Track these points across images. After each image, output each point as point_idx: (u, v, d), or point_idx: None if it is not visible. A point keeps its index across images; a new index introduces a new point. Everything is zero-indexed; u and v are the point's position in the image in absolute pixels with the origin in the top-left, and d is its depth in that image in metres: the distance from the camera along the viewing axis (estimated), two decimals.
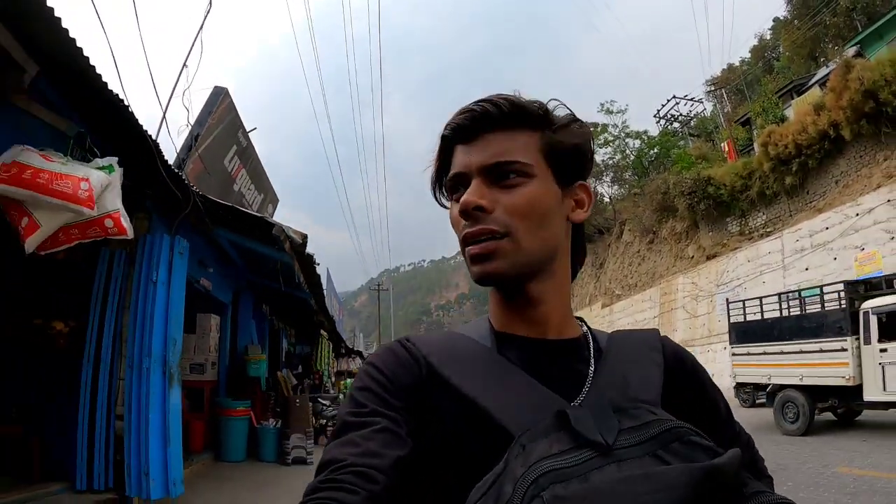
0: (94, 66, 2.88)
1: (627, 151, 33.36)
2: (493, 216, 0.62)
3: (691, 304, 19.43)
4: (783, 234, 16.38)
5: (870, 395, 7.52)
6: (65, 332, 4.06)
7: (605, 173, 35.55)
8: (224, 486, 5.60)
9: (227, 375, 7.25)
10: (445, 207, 0.72)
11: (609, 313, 26.19)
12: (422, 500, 0.59)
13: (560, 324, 0.67)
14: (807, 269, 15.08)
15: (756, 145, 19.00)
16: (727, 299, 11.67)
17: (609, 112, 33.54)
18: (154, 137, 3.75)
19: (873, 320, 7.58)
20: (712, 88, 37.23)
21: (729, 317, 10.48)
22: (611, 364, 0.65)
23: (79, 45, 2.81)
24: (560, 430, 0.49)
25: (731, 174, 19.22)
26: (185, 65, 5.01)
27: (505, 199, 0.63)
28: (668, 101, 36.12)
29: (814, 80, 20.69)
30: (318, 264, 5.31)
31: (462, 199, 0.63)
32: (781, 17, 31.03)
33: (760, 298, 10.13)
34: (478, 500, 0.46)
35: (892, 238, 13.08)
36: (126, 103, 3.06)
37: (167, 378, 3.89)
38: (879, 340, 7.46)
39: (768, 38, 33.58)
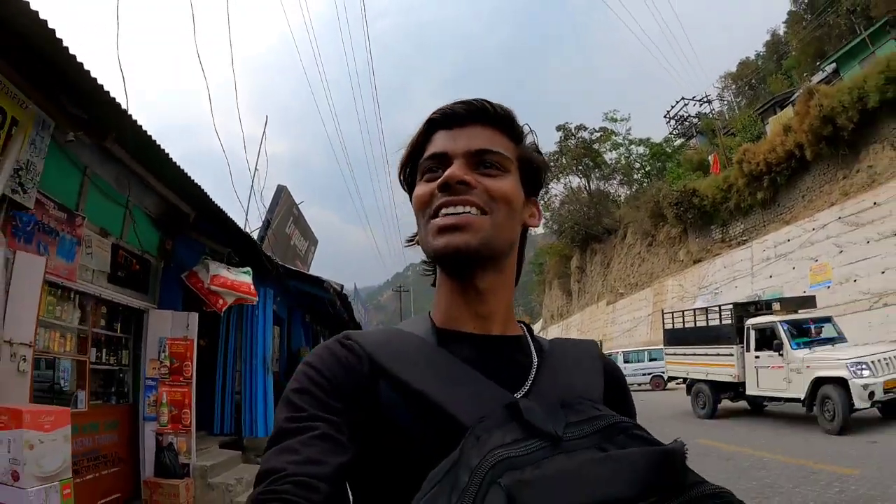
0: (225, 213, 5.52)
1: (632, 157, 35.27)
2: (476, 192, 0.65)
3: (678, 304, 21.51)
4: (753, 244, 18.46)
5: (750, 390, 9.98)
6: (202, 345, 6.78)
7: (613, 175, 37.52)
8: None
9: (286, 368, 10.02)
10: (407, 191, 0.74)
11: (612, 311, 28.41)
12: (375, 499, 0.59)
13: (505, 320, 0.69)
14: (771, 276, 17.16)
15: (734, 162, 20.98)
16: (662, 310, 14.31)
17: (613, 120, 35.49)
18: (247, 229, 6.47)
19: (752, 334, 9.96)
20: (721, 86, 38.36)
21: (663, 324, 13.03)
22: (554, 363, 0.67)
23: (214, 202, 5.44)
24: (511, 421, 0.50)
25: (714, 187, 21.29)
26: (255, 168, 7.75)
27: (488, 183, 0.66)
28: (678, 102, 37.79)
29: (795, 96, 22.44)
30: (347, 295, 8.04)
31: (447, 171, 0.65)
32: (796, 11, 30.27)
33: (683, 311, 12.92)
34: (432, 488, 0.46)
35: (841, 252, 15.03)
36: (247, 231, 5.77)
37: (265, 369, 6.60)
38: (756, 349, 9.83)
39: (781, 33, 33.67)
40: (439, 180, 0.65)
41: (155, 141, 4.12)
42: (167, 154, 4.31)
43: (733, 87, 38.00)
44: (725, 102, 37.59)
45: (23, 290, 3.34)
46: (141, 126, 3.93)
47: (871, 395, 7.59)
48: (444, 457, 0.49)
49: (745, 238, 19.77)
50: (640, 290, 26.08)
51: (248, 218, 8.35)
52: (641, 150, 34.85)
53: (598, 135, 35.90)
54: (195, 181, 4.74)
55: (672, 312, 13.11)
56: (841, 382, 7.87)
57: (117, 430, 4.84)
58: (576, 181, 37.32)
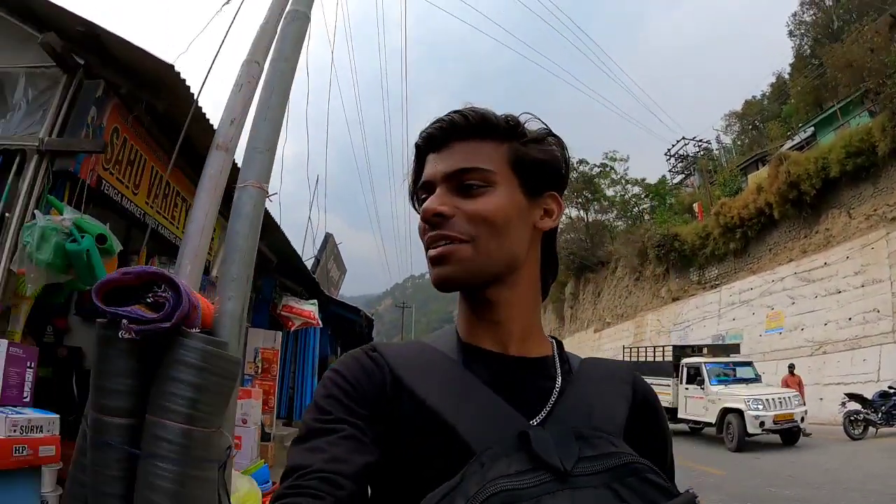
0: (304, 264, 7.73)
1: (628, 196, 37.62)
2: (453, 222, 0.63)
3: (655, 338, 23.70)
4: (722, 289, 20.65)
5: (680, 414, 12.56)
6: None
7: (610, 209, 39.77)
8: None
9: (319, 373, 12.31)
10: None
11: (598, 338, 30.52)
12: None
13: (523, 338, 0.66)
14: (734, 319, 19.33)
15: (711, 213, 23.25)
16: (623, 346, 17.08)
17: (612, 160, 37.95)
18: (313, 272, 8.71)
19: (685, 370, 12.59)
20: (725, 124, 39.71)
21: (623, 357, 15.65)
22: (578, 388, 0.64)
23: (300, 258, 7.66)
24: (520, 450, 0.49)
25: (694, 234, 23.59)
26: (308, 219, 10.00)
27: (466, 206, 0.63)
28: (678, 141, 39.92)
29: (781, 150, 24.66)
30: (373, 320, 10.33)
31: (423, 205, 0.65)
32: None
33: (638, 348, 15.68)
34: None
35: (794, 303, 17.22)
36: (314, 276, 8.02)
37: (313, 371, 8.82)
38: (686, 383, 12.43)
39: (787, 76, 33.42)
40: (421, 215, 0.65)
41: (273, 218, 6.33)
42: (277, 224, 6.52)
43: (738, 125, 38.93)
44: (722, 145, 38.79)
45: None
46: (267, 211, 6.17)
47: (762, 423, 10.04)
48: (448, 479, 0.49)
49: (717, 282, 21.97)
50: (625, 321, 28.21)
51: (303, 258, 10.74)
52: (637, 189, 37.09)
53: (598, 170, 38.29)
54: (289, 241, 6.97)
55: (631, 348, 15.92)
56: (740, 413, 10.35)
57: None
58: (574, 212, 39.70)
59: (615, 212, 39.17)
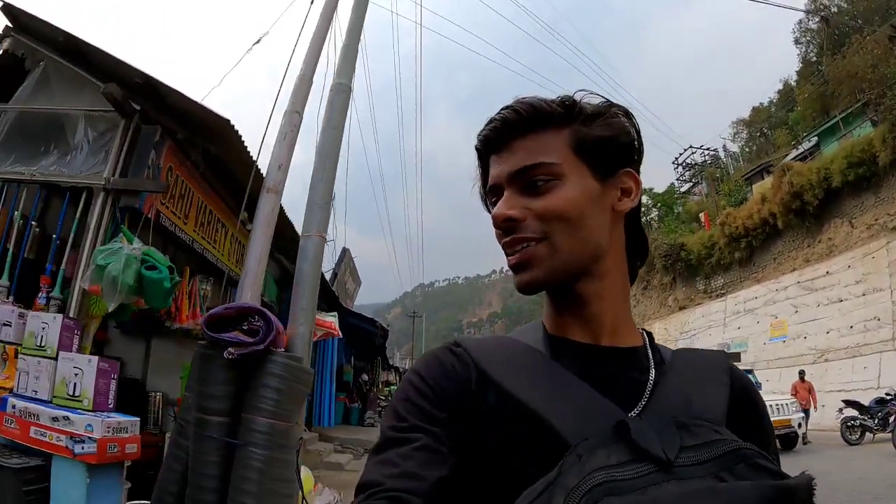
0: (326, 279, 8.32)
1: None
2: (525, 224, 0.62)
3: None
4: (727, 298, 20.99)
5: None
6: None
7: None
8: (342, 429, 11.17)
9: (336, 380, 12.92)
10: None
11: None
12: None
13: (614, 327, 0.64)
14: (739, 328, 19.65)
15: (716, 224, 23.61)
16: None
17: None
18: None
19: None
20: (733, 132, 39.64)
21: None
22: (673, 378, 0.62)
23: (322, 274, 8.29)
24: (619, 441, 0.48)
25: (700, 244, 23.93)
26: (333, 241, 10.65)
27: (535, 205, 0.62)
28: (686, 149, 39.98)
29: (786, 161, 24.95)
30: (388, 330, 10.91)
31: (493, 212, 0.63)
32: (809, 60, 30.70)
33: None
34: None
35: (797, 311, 17.57)
36: (335, 292, 8.62)
37: (331, 380, 9.37)
38: None
39: (793, 83, 33.62)
40: (492, 221, 0.64)
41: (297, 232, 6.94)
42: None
43: (745, 133, 39.21)
44: (729, 153, 38.86)
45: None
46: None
47: None
48: (543, 474, 0.47)
49: (723, 291, 22.30)
50: None
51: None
52: (644, 199, 37.27)
53: None
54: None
55: None
56: None
57: None
58: None
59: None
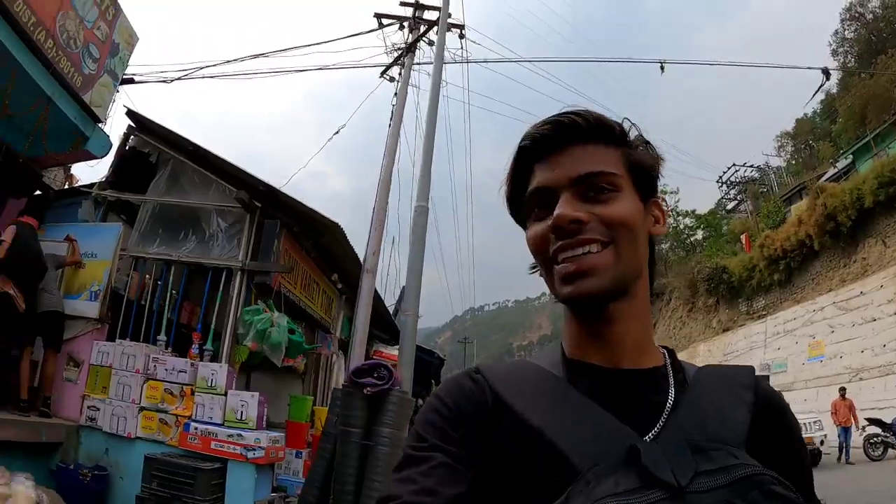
0: (394, 322, 10.24)
1: (681, 227, 38.44)
2: (591, 227, 0.61)
3: None
4: (768, 319, 21.53)
5: None
6: None
7: (664, 240, 40.38)
8: None
9: None
10: (520, 224, 0.70)
11: None
12: None
13: (636, 350, 0.64)
14: (779, 348, 20.17)
15: (756, 246, 24.21)
16: None
17: (663, 192, 38.73)
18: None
19: None
20: (777, 146, 38.74)
21: None
22: (693, 398, 0.61)
23: (384, 304, 10.17)
24: (629, 466, 0.48)
25: (741, 266, 24.50)
26: (388, 274, 12.60)
27: (601, 211, 0.61)
28: (729, 167, 39.65)
29: (823, 180, 25.07)
30: (444, 359, 12.80)
31: (557, 212, 0.61)
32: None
33: None
34: None
35: (833, 331, 18.02)
36: (394, 317, 10.55)
37: None
38: None
39: (835, 91, 31.88)
40: (550, 223, 0.62)
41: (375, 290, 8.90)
42: (378, 294, 9.04)
43: (791, 145, 38.71)
44: (772, 169, 38.10)
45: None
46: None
47: None
48: (552, 499, 0.47)
49: (764, 312, 22.77)
50: (679, 351, 28.15)
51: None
52: (688, 221, 37.83)
53: None
54: (382, 301, 9.52)
55: None
56: None
57: None
58: None
59: (669, 242, 39.99)
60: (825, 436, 11.94)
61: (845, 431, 12.03)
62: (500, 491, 0.57)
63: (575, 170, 0.63)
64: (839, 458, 11.90)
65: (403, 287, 14.77)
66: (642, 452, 0.48)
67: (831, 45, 32.36)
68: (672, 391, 0.62)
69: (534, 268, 0.70)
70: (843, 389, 13.14)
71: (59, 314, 5.14)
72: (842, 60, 31.92)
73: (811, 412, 12.90)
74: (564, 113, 0.65)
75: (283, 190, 6.19)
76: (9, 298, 4.64)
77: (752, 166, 39.05)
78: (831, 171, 24.48)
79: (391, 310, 12.70)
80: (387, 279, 16.46)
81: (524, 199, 0.68)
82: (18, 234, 4.88)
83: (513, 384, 0.62)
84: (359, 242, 6.54)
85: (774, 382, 17.47)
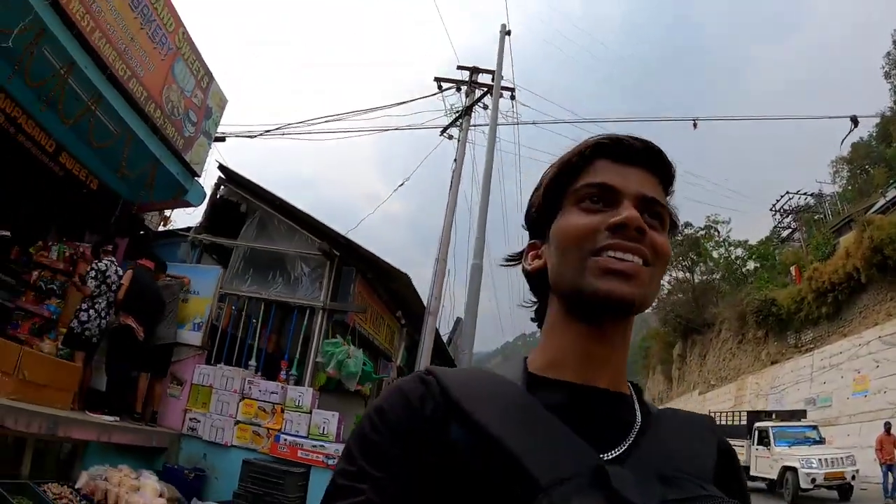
0: (449, 352, 11.95)
1: (732, 257, 38.11)
2: (645, 242, 0.62)
3: (754, 401, 24.48)
4: (814, 353, 21.55)
5: (752, 472, 14.22)
6: None
7: (716, 270, 40.08)
8: None
9: None
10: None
11: (703, 401, 31.06)
12: None
13: (616, 373, 0.65)
14: (824, 382, 20.17)
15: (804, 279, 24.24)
16: (709, 411, 18.57)
17: (715, 223, 38.81)
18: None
19: (756, 433, 14.50)
20: (833, 171, 38.03)
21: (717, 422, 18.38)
22: (660, 431, 0.62)
23: (441, 338, 11.87)
24: (594, 487, 0.47)
25: (789, 298, 24.48)
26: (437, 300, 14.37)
27: (654, 235, 0.63)
28: (783, 195, 38.69)
29: (872, 211, 24.87)
30: None
31: (630, 213, 0.61)
32: None
33: (720, 413, 17.45)
34: None
35: (878, 366, 18.05)
36: (448, 345, 12.16)
37: None
38: (757, 444, 14.35)
39: (888, 114, 31.36)
40: (616, 219, 0.61)
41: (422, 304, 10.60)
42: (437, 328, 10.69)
43: (846, 170, 37.86)
44: (826, 197, 36.59)
45: None
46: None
47: (814, 480, 11.88)
48: None
49: (811, 346, 22.71)
50: (728, 383, 28.79)
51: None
52: (740, 251, 37.51)
53: (703, 232, 39.12)
54: (440, 336, 11.16)
55: (716, 413, 17.82)
56: (795, 470, 12.29)
57: None
58: (680, 274, 40.41)
59: (720, 273, 39.51)
60: (857, 471, 12.33)
61: (889, 469, 11.99)
62: (453, 499, 0.54)
63: (647, 190, 0.65)
64: (886, 495, 11.92)
65: (458, 318, 16.29)
66: (610, 474, 0.49)
67: (884, 67, 32.04)
68: (638, 416, 0.63)
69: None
70: (888, 424, 12.94)
71: (169, 347, 6.07)
72: (895, 84, 31.53)
73: (848, 448, 13.37)
74: (647, 140, 0.68)
75: (353, 236, 7.84)
76: (130, 330, 5.46)
77: (806, 194, 38.31)
78: (881, 202, 24.25)
79: (445, 338, 14.31)
80: (442, 310, 17.96)
81: (569, 188, 0.67)
82: (136, 276, 5.60)
83: (467, 388, 0.59)
84: (408, 261, 8.09)
85: (819, 417, 17.80)
